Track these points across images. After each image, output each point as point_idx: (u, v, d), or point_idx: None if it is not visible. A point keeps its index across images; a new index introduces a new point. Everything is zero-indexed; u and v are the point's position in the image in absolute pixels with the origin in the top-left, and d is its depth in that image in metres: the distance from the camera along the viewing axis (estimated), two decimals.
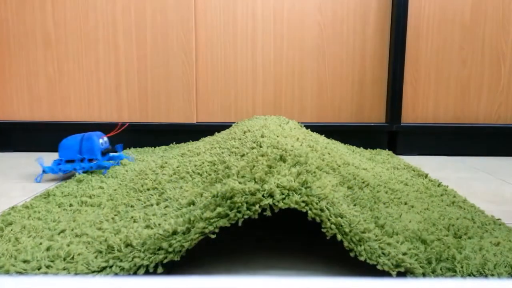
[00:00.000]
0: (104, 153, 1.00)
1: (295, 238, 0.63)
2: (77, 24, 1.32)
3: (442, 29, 1.31)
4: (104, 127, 1.34)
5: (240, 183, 0.54)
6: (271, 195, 0.51)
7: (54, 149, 1.35)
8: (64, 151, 0.97)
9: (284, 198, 0.51)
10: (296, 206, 0.51)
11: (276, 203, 0.51)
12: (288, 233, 0.65)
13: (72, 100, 1.34)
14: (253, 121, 1.05)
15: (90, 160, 0.97)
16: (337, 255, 0.56)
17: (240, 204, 0.50)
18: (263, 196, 0.51)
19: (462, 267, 0.49)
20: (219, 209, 0.49)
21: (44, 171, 0.94)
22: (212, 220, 0.49)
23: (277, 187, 0.52)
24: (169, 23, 1.31)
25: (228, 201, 0.50)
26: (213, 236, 0.49)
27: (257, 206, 0.50)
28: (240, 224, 0.50)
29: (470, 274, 0.49)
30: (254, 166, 0.59)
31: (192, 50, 1.32)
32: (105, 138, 1.02)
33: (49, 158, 1.25)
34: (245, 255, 0.57)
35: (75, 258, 0.50)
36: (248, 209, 0.50)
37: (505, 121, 1.33)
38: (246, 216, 0.50)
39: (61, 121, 1.35)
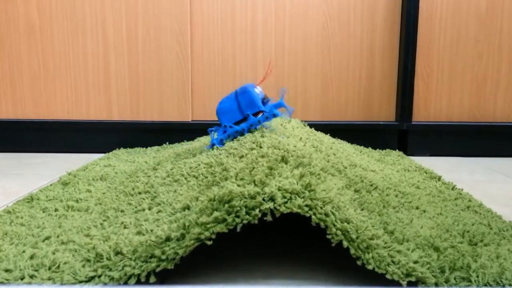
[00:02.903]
0: (264, 102, 0.91)
1: (296, 242, 0.63)
2: (63, 13, 1.32)
3: (456, 20, 1.31)
4: (93, 126, 1.34)
5: (238, 186, 0.54)
6: (272, 199, 0.51)
7: (39, 149, 1.35)
8: (225, 115, 0.89)
9: (286, 202, 0.51)
10: (299, 211, 0.51)
11: (278, 207, 0.51)
12: (289, 235, 0.65)
13: (58, 97, 1.34)
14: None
15: (255, 114, 0.87)
16: (343, 263, 0.56)
17: (238, 208, 0.50)
18: (263, 199, 0.51)
19: (477, 277, 0.49)
20: (216, 214, 0.50)
21: (213, 145, 0.88)
22: (208, 226, 0.49)
23: (279, 190, 0.52)
24: (162, 13, 1.31)
25: (226, 205, 0.50)
26: (209, 243, 0.49)
27: (257, 211, 0.50)
28: (238, 229, 0.50)
29: (487, 284, 0.49)
30: (253, 168, 0.59)
31: (187, 42, 1.32)
32: (259, 88, 0.92)
33: (37, 160, 1.25)
34: (244, 263, 0.57)
35: (61, 267, 0.50)
36: (247, 213, 0.50)
37: None
38: (245, 221, 0.50)
39: (46, 119, 1.35)
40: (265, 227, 0.68)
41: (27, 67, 1.34)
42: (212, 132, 0.90)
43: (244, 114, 0.87)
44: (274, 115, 0.85)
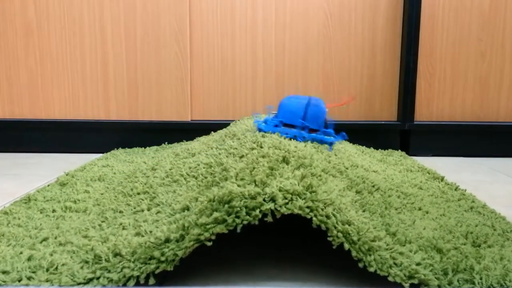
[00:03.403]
0: (326, 125, 0.92)
1: (297, 243, 0.63)
2: (60, 11, 1.32)
3: (458, 18, 1.31)
4: (91, 126, 1.34)
5: (239, 186, 0.54)
6: (272, 200, 0.51)
7: (36, 150, 1.35)
8: (286, 113, 0.89)
9: (287, 203, 0.51)
10: (300, 212, 0.51)
11: (278, 208, 0.51)
12: (290, 236, 0.65)
13: (55, 96, 1.34)
14: (253, 120, 1.05)
15: (312, 131, 0.89)
16: (344, 264, 0.56)
17: (239, 208, 0.50)
18: (264, 200, 0.51)
19: (481, 279, 0.49)
20: (216, 214, 0.50)
21: (260, 130, 0.88)
22: (208, 226, 0.49)
23: (280, 190, 0.52)
24: (161, 11, 1.31)
25: (226, 206, 0.50)
26: (209, 244, 0.49)
27: (257, 211, 0.50)
28: (238, 230, 0.50)
29: (490, 286, 0.49)
30: (254, 168, 0.59)
31: (186, 41, 1.32)
32: (327, 108, 0.94)
33: (34, 160, 1.25)
34: (244, 264, 0.57)
35: (59, 268, 0.50)
36: (247, 214, 0.50)
37: None
38: (245, 222, 0.50)
39: (44, 119, 1.35)
40: (265, 227, 0.68)
41: (24, 66, 1.34)
42: (259, 117, 0.90)
43: (303, 123, 0.89)
44: (331, 142, 0.88)
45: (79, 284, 0.48)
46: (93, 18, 1.31)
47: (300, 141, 0.86)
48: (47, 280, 0.48)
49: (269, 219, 0.51)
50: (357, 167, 0.84)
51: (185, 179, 0.74)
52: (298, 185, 0.54)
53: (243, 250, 0.61)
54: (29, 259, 0.53)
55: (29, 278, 0.49)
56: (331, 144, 0.88)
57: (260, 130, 0.88)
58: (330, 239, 0.51)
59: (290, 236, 0.67)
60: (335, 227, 0.51)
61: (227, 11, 1.32)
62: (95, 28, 1.32)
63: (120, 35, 1.32)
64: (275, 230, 0.68)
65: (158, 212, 0.64)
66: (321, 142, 0.88)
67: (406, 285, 0.47)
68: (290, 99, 0.92)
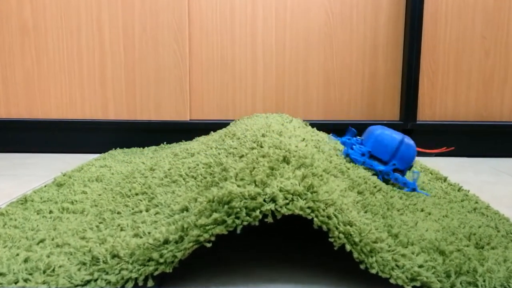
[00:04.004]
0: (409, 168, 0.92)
1: (296, 245, 0.63)
2: (57, 10, 1.32)
3: (462, 16, 1.31)
4: (88, 125, 1.34)
5: (238, 186, 0.54)
6: (273, 200, 0.51)
7: (33, 150, 1.35)
8: (378, 146, 0.89)
9: (287, 204, 0.51)
10: (301, 213, 0.51)
11: (279, 209, 0.51)
12: (289, 237, 0.65)
13: (52, 95, 1.35)
14: (253, 120, 1.05)
15: (396, 170, 0.88)
16: (345, 266, 0.56)
17: (238, 209, 0.50)
18: (264, 200, 0.51)
19: (484, 281, 0.49)
20: (215, 215, 0.50)
21: (347, 155, 0.88)
22: (207, 227, 0.49)
23: (280, 191, 0.52)
24: (160, 9, 1.31)
25: (226, 206, 0.50)
26: (208, 245, 0.49)
27: (257, 212, 0.50)
28: (238, 231, 0.50)
29: None
30: (254, 168, 0.60)
31: (185, 39, 1.32)
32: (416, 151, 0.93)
33: (30, 160, 1.25)
34: (244, 266, 0.57)
35: (56, 270, 0.51)
36: (247, 215, 0.50)
37: None
38: (245, 223, 0.50)
39: (40, 118, 1.35)
40: (265, 228, 0.68)
41: (20, 65, 1.34)
42: (347, 143, 0.91)
43: (391, 160, 0.88)
44: (413, 188, 0.87)
45: (76, 286, 0.48)
46: (91, 16, 1.32)
47: (379, 178, 0.87)
48: (44, 282, 0.48)
49: (270, 219, 0.51)
50: (359, 167, 0.84)
51: (184, 179, 0.74)
52: (299, 185, 0.54)
53: (242, 252, 0.61)
54: (25, 261, 0.53)
55: (25, 280, 0.49)
56: (413, 190, 0.87)
57: (347, 155, 0.88)
58: (331, 240, 0.51)
59: (289, 237, 0.67)
60: (337, 228, 0.51)
61: (227, 9, 1.32)
62: (92, 26, 1.32)
63: (118, 33, 1.32)
64: (275, 230, 0.68)
65: (157, 213, 0.64)
66: (404, 185, 0.87)
67: (408, 287, 0.47)
68: (383, 131, 0.90)
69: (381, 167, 0.88)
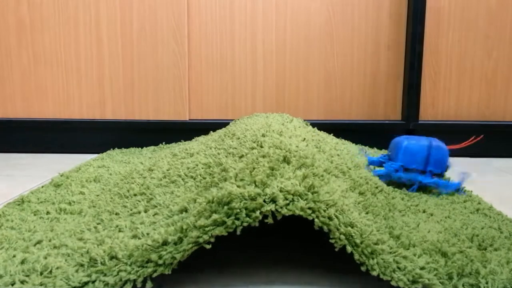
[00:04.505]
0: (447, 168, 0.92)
1: (296, 246, 0.63)
2: (54, 8, 1.32)
3: (465, 14, 1.31)
4: (86, 125, 1.34)
5: (238, 186, 0.54)
6: (273, 200, 0.51)
7: (30, 150, 1.35)
8: (409, 157, 0.88)
9: (288, 204, 0.51)
10: (301, 213, 0.51)
11: (279, 210, 0.51)
12: (290, 239, 0.65)
13: (49, 94, 1.35)
14: (253, 119, 1.05)
15: (435, 175, 0.89)
16: (346, 268, 0.56)
17: (238, 210, 0.50)
18: (264, 201, 0.51)
19: (487, 283, 0.49)
20: (215, 216, 0.50)
21: (380, 177, 0.87)
22: (207, 229, 0.49)
23: (281, 191, 0.52)
24: (158, 7, 1.31)
25: (225, 207, 0.50)
26: (208, 246, 0.49)
27: (257, 213, 0.50)
28: (238, 232, 0.50)
29: None
30: (254, 168, 0.60)
31: (184, 38, 1.32)
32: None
33: (27, 160, 1.25)
34: (243, 267, 0.57)
35: (53, 272, 0.51)
36: (247, 215, 0.50)
37: None
38: (245, 224, 0.50)
39: (37, 118, 1.35)
40: (264, 229, 0.68)
41: (16, 63, 1.34)
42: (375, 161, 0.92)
43: (426, 167, 0.88)
44: (457, 189, 0.88)
45: (74, 287, 0.48)
46: (89, 14, 1.32)
47: (413, 189, 0.87)
48: (41, 284, 0.48)
49: (270, 220, 0.51)
50: (361, 167, 0.84)
51: (183, 180, 0.74)
52: (300, 185, 0.54)
53: (242, 252, 0.61)
54: (22, 262, 0.53)
55: (22, 282, 0.49)
56: (458, 190, 0.87)
57: (379, 176, 0.88)
58: (332, 241, 0.51)
59: (289, 239, 0.67)
60: (338, 229, 0.51)
61: (226, 7, 1.32)
62: (90, 24, 1.32)
63: (116, 31, 1.32)
64: (274, 230, 0.68)
65: (156, 214, 0.64)
66: (446, 187, 0.87)
67: None
68: (409, 141, 0.90)
69: (420, 178, 0.88)
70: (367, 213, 0.64)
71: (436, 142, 0.90)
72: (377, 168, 0.92)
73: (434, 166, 0.88)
